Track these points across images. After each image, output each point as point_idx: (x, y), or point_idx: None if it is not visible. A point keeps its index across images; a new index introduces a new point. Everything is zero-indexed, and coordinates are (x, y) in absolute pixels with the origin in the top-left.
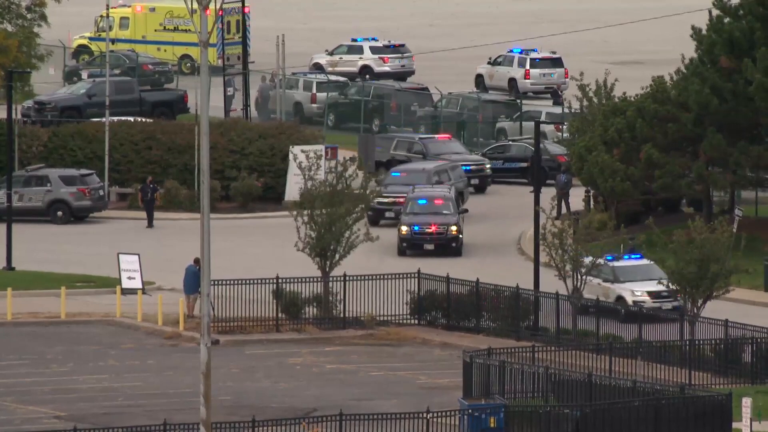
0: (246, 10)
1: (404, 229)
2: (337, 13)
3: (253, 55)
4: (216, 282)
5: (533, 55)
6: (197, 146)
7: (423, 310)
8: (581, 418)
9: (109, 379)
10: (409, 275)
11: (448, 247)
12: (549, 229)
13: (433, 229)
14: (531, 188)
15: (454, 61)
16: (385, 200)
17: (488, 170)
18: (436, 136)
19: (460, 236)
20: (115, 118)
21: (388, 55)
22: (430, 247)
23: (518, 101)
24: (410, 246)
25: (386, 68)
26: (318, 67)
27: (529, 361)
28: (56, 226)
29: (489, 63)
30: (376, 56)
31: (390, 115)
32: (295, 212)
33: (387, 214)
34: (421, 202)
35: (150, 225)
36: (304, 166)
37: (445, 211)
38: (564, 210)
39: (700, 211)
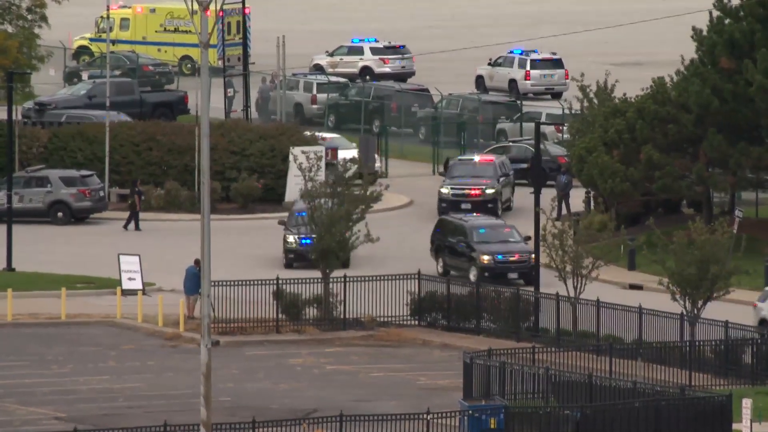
0: (246, 11)
1: (486, 258)
2: (337, 15)
3: (253, 57)
4: (216, 283)
5: (533, 56)
6: (197, 147)
7: (423, 311)
8: (582, 419)
9: (109, 380)
10: (409, 276)
11: (528, 275)
12: (549, 230)
13: (516, 257)
14: (531, 189)
15: (455, 63)
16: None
17: (491, 195)
18: (477, 158)
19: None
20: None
21: (389, 57)
22: (514, 276)
23: (518, 102)
24: (494, 275)
25: (386, 69)
26: (318, 68)
27: (530, 362)
28: (56, 227)
29: (489, 64)
30: (377, 57)
31: (390, 117)
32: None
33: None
34: (481, 231)
35: (125, 227)
36: (304, 167)
37: (512, 239)
38: (564, 211)
39: (701, 213)
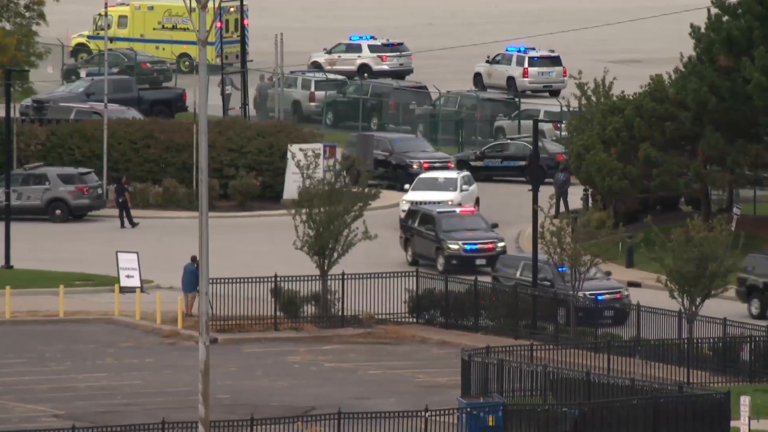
0: (244, 8)
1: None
2: (335, 12)
3: (251, 54)
4: (214, 280)
5: (531, 53)
6: (195, 145)
7: (421, 308)
8: (580, 417)
9: (107, 378)
10: (407, 274)
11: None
12: (547, 228)
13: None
14: (529, 187)
15: (453, 60)
16: None
17: (502, 247)
18: (458, 210)
19: None
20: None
21: (387, 54)
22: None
23: (517, 100)
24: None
25: (384, 67)
26: (316, 66)
27: (528, 360)
28: (55, 225)
29: (487, 61)
30: (375, 55)
31: (388, 114)
32: (293, 211)
33: None
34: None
35: (122, 225)
36: (302, 164)
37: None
38: (562, 208)
39: (699, 210)
